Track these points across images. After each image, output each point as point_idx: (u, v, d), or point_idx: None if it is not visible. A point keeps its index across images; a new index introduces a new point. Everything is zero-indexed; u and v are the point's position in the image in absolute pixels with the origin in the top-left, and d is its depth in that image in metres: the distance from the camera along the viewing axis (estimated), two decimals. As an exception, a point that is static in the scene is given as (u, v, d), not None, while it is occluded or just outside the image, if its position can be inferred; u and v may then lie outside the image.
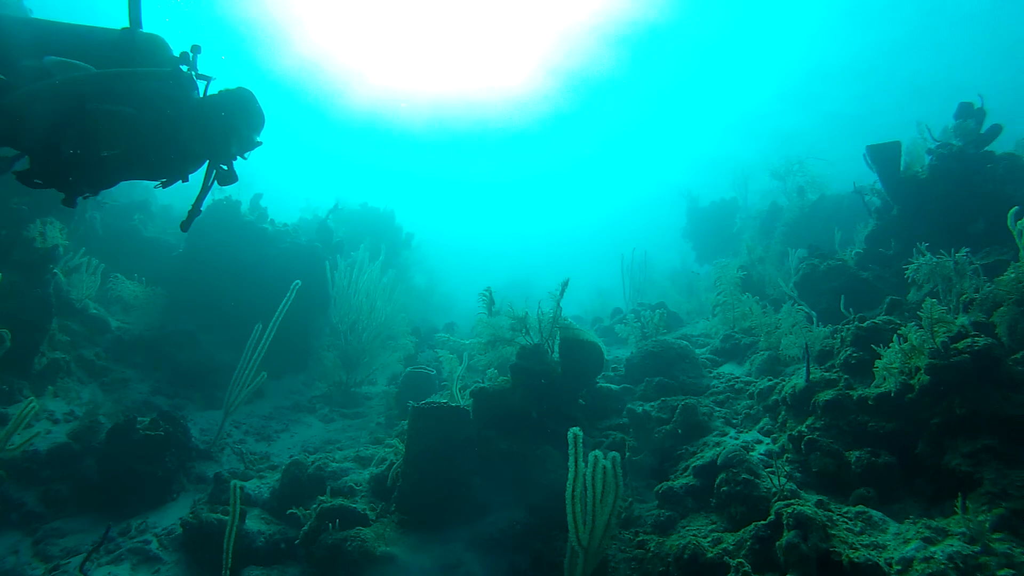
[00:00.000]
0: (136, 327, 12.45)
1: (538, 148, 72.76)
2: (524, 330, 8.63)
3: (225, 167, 5.09)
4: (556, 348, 8.60)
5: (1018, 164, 11.37)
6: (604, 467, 5.65)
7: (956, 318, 6.92)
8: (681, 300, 17.02)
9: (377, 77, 57.07)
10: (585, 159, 76.82)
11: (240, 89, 4.99)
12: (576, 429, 5.57)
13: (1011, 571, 4.60)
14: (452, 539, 7.10)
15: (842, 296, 9.65)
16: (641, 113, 67.12)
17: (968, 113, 11.94)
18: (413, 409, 7.72)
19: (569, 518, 5.63)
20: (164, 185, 5.05)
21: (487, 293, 8.89)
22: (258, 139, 5.28)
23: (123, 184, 5.72)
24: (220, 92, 4.92)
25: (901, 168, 11.85)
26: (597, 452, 5.64)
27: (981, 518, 5.08)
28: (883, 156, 11.87)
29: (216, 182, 5.18)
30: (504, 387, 8.19)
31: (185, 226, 5.18)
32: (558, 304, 8.47)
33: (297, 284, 10.09)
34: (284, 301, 9.99)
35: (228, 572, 6.69)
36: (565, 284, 8.55)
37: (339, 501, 7.59)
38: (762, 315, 10.22)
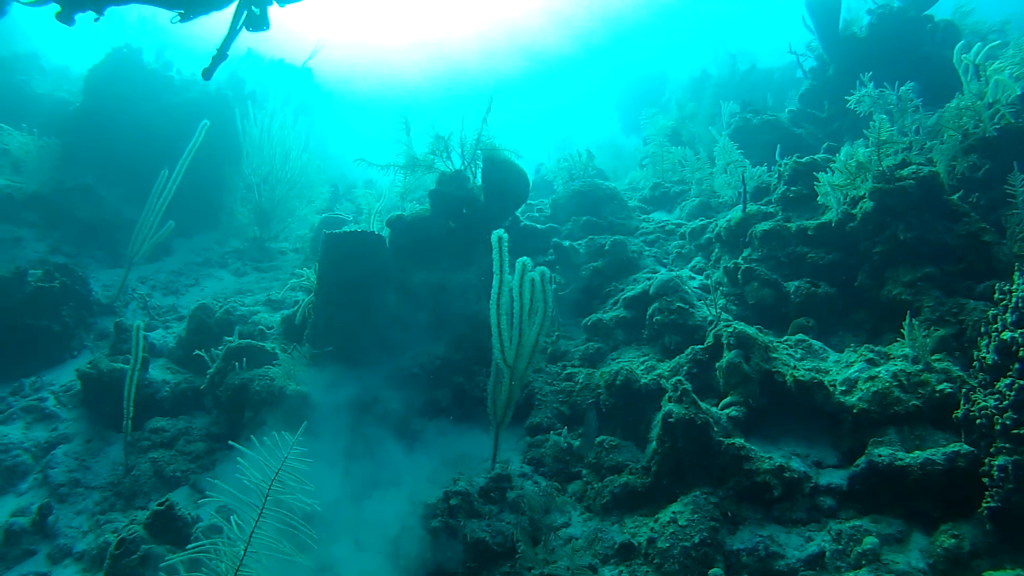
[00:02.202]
0: (30, 184, 11.27)
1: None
2: (445, 154, 8.09)
3: (257, 10, 4.87)
4: (479, 175, 8.13)
5: (953, 31, 11.31)
6: (532, 279, 5.26)
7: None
8: (608, 163, 16.71)
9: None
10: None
11: None
12: (501, 231, 5.19)
13: (949, 384, 4.65)
14: (368, 375, 6.76)
15: (777, 147, 9.47)
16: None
17: (911, -26, 11.74)
18: (325, 236, 7.20)
19: (494, 330, 5.28)
20: (182, 18, 4.72)
21: (404, 119, 8.26)
22: None
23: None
24: None
25: (840, 27, 11.61)
26: (525, 259, 5.24)
27: (921, 342, 5.04)
28: (822, 11, 11.61)
29: (245, 27, 4.93)
30: (423, 215, 7.72)
31: (208, 73, 4.91)
32: (482, 124, 7.92)
33: (205, 124, 9.11)
34: (191, 143, 9.04)
35: (129, 423, 6.23)
36: (490, 104, 7.99)
37: (246, 341, 7.12)
38: (695, 162, 9.99)
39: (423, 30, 53.97)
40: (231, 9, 4.88)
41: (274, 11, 5.16)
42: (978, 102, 6.93)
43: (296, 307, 7.80)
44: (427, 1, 51.13)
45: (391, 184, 9.05)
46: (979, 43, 7.29)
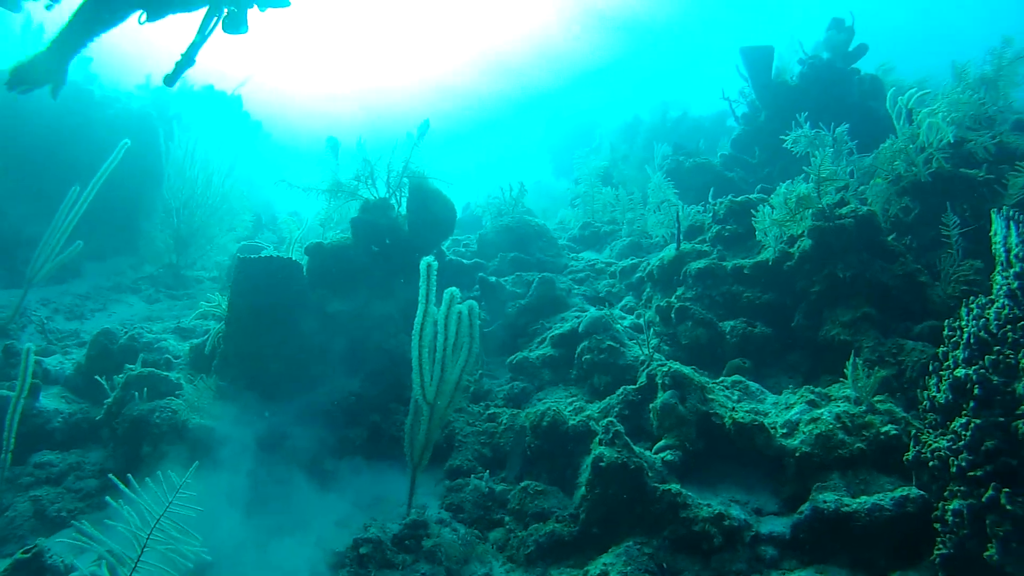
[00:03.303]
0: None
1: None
2: (370, 180, 7.74)
3: (235, 8, 4.75)
4: (404, 204, 7.80)
5: (878, 84, 11.66)
6: (460, 312, 4.94)
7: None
8: (539, 202, 16.65)
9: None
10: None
11: None
12: (430, 258, 4.86)
13: (894, 426, 4.49)
14: (279, 410, 6.28)
15: (710, 190, 9.42)
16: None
17: (840, 28, 12.12)
18: (238, 261, 6.73)
19: (415, 365, 4.90)
20: (148, 17, 4.49)
21: (333, 141, 7.91)
22: None
23: None
24: None
25: (772, 75, 11.82)
26: (454, 290, 4.93)
27: (863, 382, 4.89)
28: (756, 59, 11.81)
29: (222, 28, 4.82)
30: (343, 243, 7.33)
31: (171, 80, 4.81)
32: (411, 151, 7.62)
33: (126, 143, 8.54)
34: (107, 163, 8.43)
35: (9, 456, 5.55)
36: (423, 129, 7.70)
37: (148, 370, 6.57)
38: (627, 203, 9.88)
39: (365, 77, 54.42)
40: (202, 13, 4.74)
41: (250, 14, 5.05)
42: (910, 145, 6.99)
43: (206, 336, 7.28)
44: (370, 50, 51.67)
45: (316, 213, 8.66)
46: (912, 90, 7.37)
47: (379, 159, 7.77)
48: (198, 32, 4.72)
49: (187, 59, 4.78)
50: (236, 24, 4.87)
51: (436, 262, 4.86)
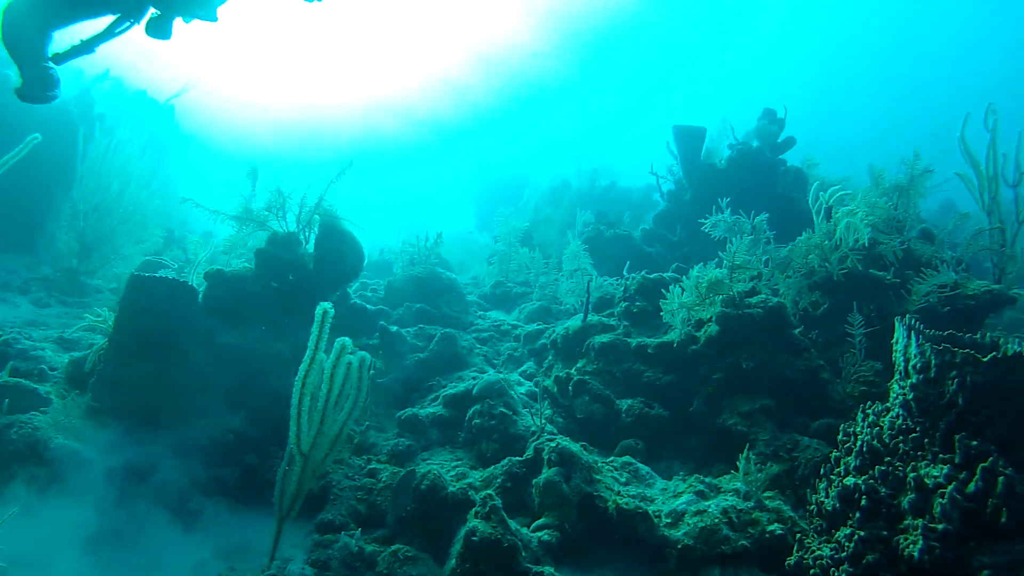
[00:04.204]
0: None
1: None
2: (281, 212, 7.45)
3: (159, 12, 4.64)
4: (313, 241, 7.52)
5: (803, 177, 11.99)
6: (349, 363, 4.65)
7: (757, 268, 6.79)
8: (458, 256, 16.50)
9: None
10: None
11: None
12: (327, 305, 4.58)
13: (780, 525, 4.36)
14: (152, 439, 5.85)
15: (627, 262, 9.40)
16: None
17: (772, 119, 12.47)
18: (131, 278, 6.35)
19: (292, 412, 4.58)
20: None
21: (253, 166, 7.59)
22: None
23: None
24: None
25: (702, 155, 12.02)
26: (346, 340, 4.64)
27: (754, 476, 4.79)
28: (688, 138, 12.01)
29: (145, 30, 4.71)
30: (245, 274, 6.99)
31: (59, 59, 4.60)
32: (327, 188, 7.37)
33: (35, 138, 7.99)
34: (10, 155, 7.87)
35: None
36: (344, 167, 7.47)
37: (15, 380, 6.06)
38: (543, 266, 9.78)
39: (309, 95, 54.07)
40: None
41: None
42: (826, 242, 7.07)
43: (88, 351, 6.77)
44: (321, 64, 51.47)
45: (225, 238, 8.28)
46: (833, 187, 7.51)
47: (295, 190, 7.51)
48: (107, 28, 4.59)
49: (86, 46, 4.59)
50: (160, 30, 4.75)
51: (333, 309, 4.57)
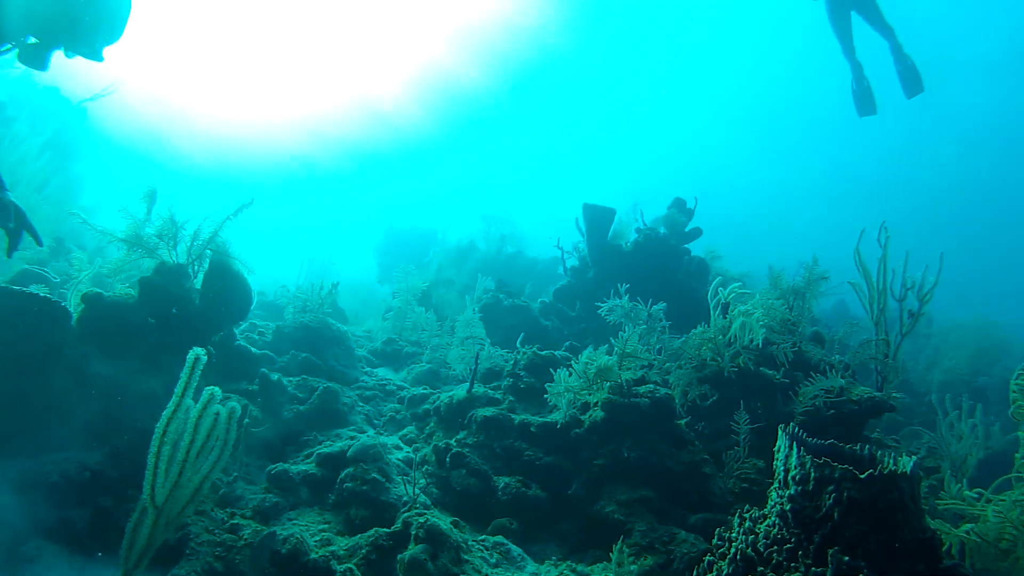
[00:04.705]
0: None
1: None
2: (173, 242, 7.05)
3: (33, 44, 4.64)
4: (201, 277, 7.14)
5: (705, 267, 12.28)
6: (217, 413, 4.35)
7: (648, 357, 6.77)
8: (354, 306, 16.15)
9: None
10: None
11: None
12: (200, 351, 4.28)
13: (648, 626, 4.20)
14: None
15: (521, 335, 9.32)
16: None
17: (681, 209, 12.76)
18: None
19: (149, 461, 4.23)
20: None
21: (152, 188, 7.19)
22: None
23: None
24: None
25: (609, 236, 12.15)
26: (215, 390, 4.34)
27: (627, 569, 4.66)
28: (596, 217, 12.12)
29: (18, 58, 4.71)
30: (126, 301, 6.56)
31: None
32: (223, 223, 7.04)
33: None
34: None
35: None
36: (246, 204, 7.16)
37: None
38: (436, 328, 9.61)
39: (237, 110, 53.52)
40: None
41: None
42: (720, 337, 7.15)
43: None
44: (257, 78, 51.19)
45: (113, 259, 7.77)
46: (734, 284, 7.64)
47: (191, 219, 7.18)
48: None
49: None
50: (35, 61, 4.70)
51: (205, 356, 4.28)
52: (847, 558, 3.06)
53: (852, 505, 3.16)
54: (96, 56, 4.98)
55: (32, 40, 4.69)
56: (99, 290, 6.69)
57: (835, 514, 3.19)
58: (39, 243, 5.29)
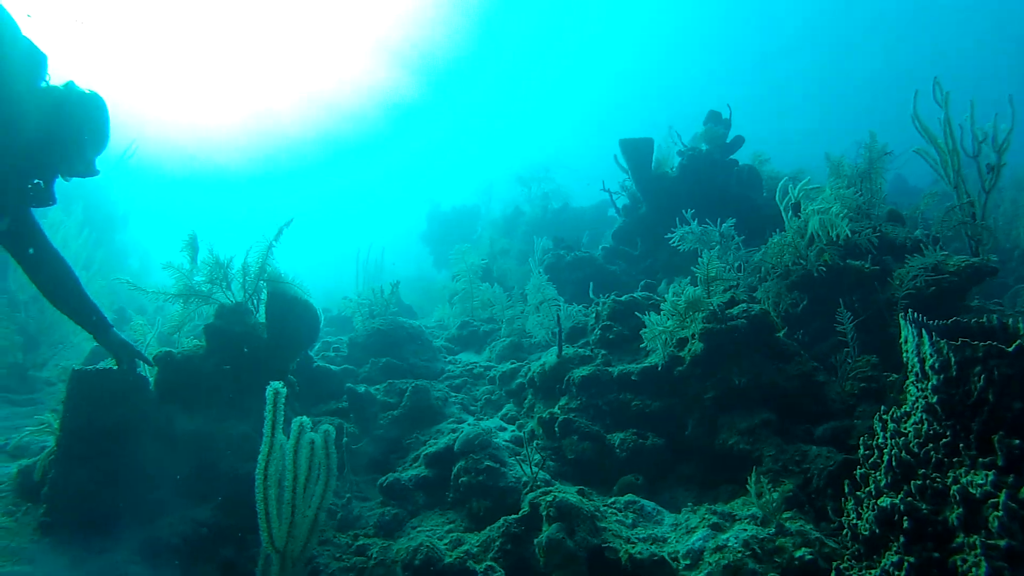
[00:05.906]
0: None
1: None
2: (225, 283, 7.03)
3: (42, 183, 4.77)
4: (263, 309, 7.11)
5: (756, 174, 11.91)
6: (312, 441, 4.30)
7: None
8: (417, 299, 16.15)
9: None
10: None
11: (93, 94, 4.71)
12: (278, 384, 4.22)
13: (808, 549, 4.03)
14: (114, 548, 5.32)
15: (591, 285, 9.15)
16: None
17: (717, 121, 12.36)
18: (72, 374, 5.86)
19: (259, 509, 4.22)
20: None
21: (192, 235, 7.18)
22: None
23: None
24: (67, 86, 4.62)
25: (653, 166, 11.86)
26: (304, 419, 4.29)
27: (768, 498, 4.48)
28: (635, 151, 11.84)
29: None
30: (195, 352, 6.54)
31: None
32: (268, 252, 6.97)
33: None
34: None
35: None
36: (286, 225, 7.11)
37: None
38: (506, 300, 9.49)
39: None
40: None
41: None
42: (799, 239, 6.88)
43: (37, 457, 6.23)
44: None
45: (170, 316, 7.82)
46: (800, 182, 7.33)
47: (236, 254, 7.17)
48: None
49: None
50: (44, 199, 4.86)
51: (285, 388, 4.22)
52: (1016, 440, 2.84)
53: (1006, 382, 2.92)
54: (91, 171, 5.02)
55: (37, 182, 4.77)
56: (167, 348, 6.69)
57: (989, 396, 2.96)
58: (151, 365, 5.78)
